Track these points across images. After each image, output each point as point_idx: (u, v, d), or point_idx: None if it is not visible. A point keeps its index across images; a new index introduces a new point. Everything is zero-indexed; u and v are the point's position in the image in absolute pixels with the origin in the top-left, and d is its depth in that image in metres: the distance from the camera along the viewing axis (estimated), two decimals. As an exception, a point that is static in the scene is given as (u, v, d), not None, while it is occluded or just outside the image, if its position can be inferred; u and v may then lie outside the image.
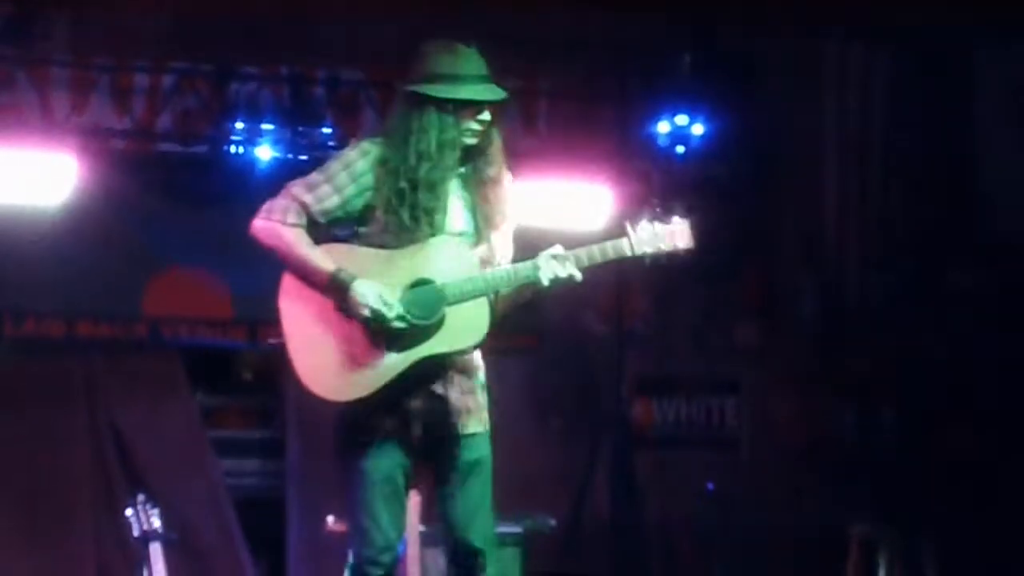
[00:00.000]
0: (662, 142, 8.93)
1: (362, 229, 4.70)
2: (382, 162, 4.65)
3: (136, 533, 6.50)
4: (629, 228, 4.59)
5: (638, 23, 8.62)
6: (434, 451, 4.71)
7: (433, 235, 4.61)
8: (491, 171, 4.72)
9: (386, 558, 4.74)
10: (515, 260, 4.77)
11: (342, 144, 8.72)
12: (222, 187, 8.69)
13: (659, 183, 9.03)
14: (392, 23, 8.29)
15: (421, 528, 6.78)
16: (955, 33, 8.83)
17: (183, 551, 8.27)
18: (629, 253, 4.54)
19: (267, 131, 8.51)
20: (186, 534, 8.61)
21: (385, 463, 4.66)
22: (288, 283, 4.71)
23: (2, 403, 8.72)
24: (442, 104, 4.62)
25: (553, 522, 8.03)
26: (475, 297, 4.58)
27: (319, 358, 4.63)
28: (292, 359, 4.67)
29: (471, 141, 4.69)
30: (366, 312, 4.55)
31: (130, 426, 8.99)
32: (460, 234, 4.69)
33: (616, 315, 9.29)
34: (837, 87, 9.59)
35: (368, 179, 4.66)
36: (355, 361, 4.60)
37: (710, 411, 9.80)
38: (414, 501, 7.48)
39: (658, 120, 8.89)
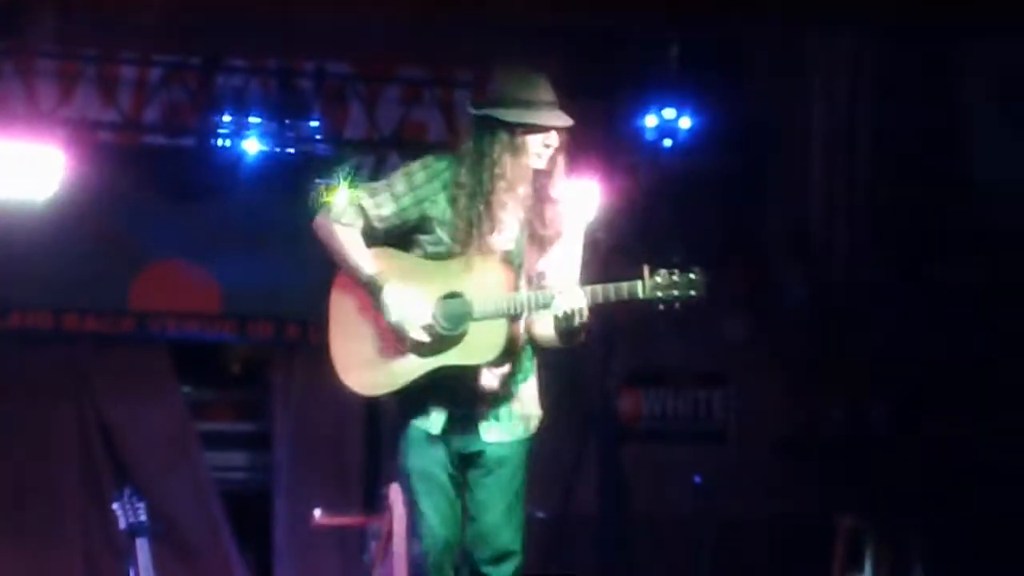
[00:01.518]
0: (650, 136, 8.92)
1: (422, 237, 4.88)
2: (455, 183, 4.84)
3: (123, 526, 6.49)
4: (646, 273, 4.67)
5: (624, 16, 8.61)
6: (464, 447, 4.86)
7: (479, 251, 4.79)
8: (552, 192, 4.87)
9: (433, 550, 4.85)
10: None
11: (329, 137, 8.77)
12: (209, 180, 8.70)
13: (647, 177, 9.04)
14: (379, 16, 8.28)
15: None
16: (942, 21, 8.82)
17: (170, 544, 8.29)
18: (641, 296, 4.63)
19: (254, 124, 8.51)
20: (173, 527, 8.63)
21: (421, 458, 4.84)
22: (341, 276, 4.92)
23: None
24: (512, 129, 4.78)
25: (541, 515, 8.03)
26: (498, 316, 4.73)
27: (352, 349, 4.87)
28: (331, 345, 4.91)
29: (537, 165, 4.84)
30: (391, 319, 4.75)
31: (117, 420, 8.99)
32: (506, 252, 4.84)
33: (602, 308, 9.27)
34: (824, 77, 9.58)
35: (426, 191, 4.84)
36: (381, 359, 4.83)
37: (697, 403, 9.82)
38: (400, 491, 7.51)
39: (646, 114, 8.89)
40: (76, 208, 8.49)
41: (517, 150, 4.78)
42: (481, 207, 4.78)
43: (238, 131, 8.52)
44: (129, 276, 8.91)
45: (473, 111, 4.89)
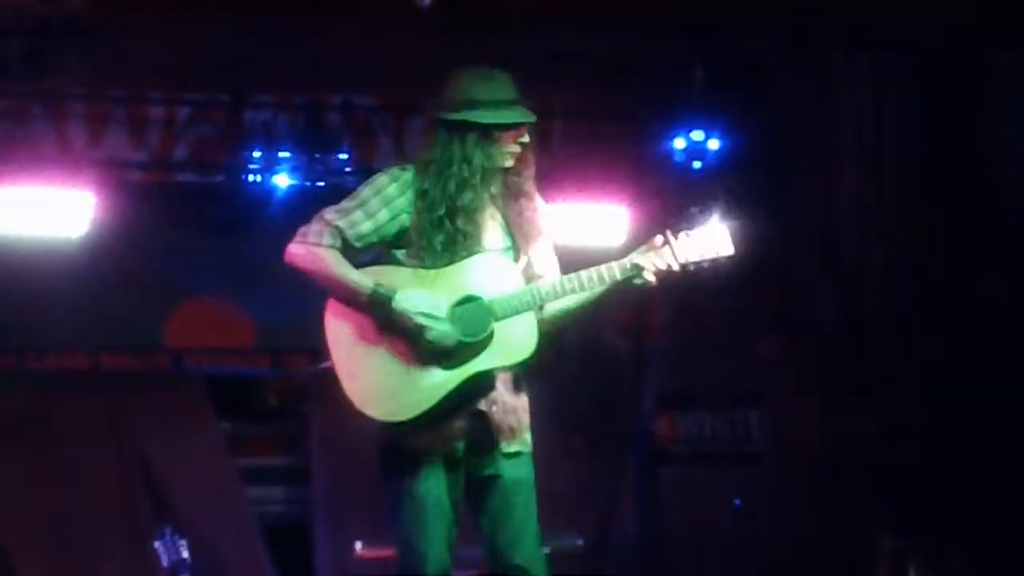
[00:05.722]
0: (678, 158, 8.94)
1: (397, 252, 4.73)
2: (419, 192, 4.70)
3: (165, 564, 6.51)
4: (670, 237, 4.58)
5: (650, 40, 8.63)
6: (477, 470, 4.72)
7: (471, 254, 4.66)
8: (524, 187, 4.77)
9: None
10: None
11: (359, 169, 8.79)
12: (240, 216, 8.73)
13: (676, 200, 9.04)
14: (404, 47, 8.31)
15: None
16: (964, 32, 8.81)
17: (212, 580, 8.31)
18: (676, 265, 4.55)
19: (284, 159, 8.54)
20: (214, 564, 8.63)
21: (431, 483, 4.68)
22: (332, 308, 4.72)
23: (28, 437, 8.76)
24: (485, 130, 4.68)
25: (580, 541, 8.01)
26: (524, 311, 4.61)
27: (370, 380, 4.64)
28: (342, 384, 4.66)
29: (508, 163, 4.75)
30: (414, 321, 4.59)
31: (156, 457, 9.02)
32: (498, 250, 4.74)
33: (637, 331, 9.28)
34: (849, 93, 9.57)
35: (400, 203, 4.70)
36: (406, 381, 4.62)
37: (734, 424, 9.78)
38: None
39: (674, 136, 8.90)
40: (109, 248, 8.53)
41: (488, 153, 4.68)
42: (441, 214, 4.63)
43: (268, 166, 8.56)
44: (163, 314, 8.95)
45: (445, 117, 4.72)
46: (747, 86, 8.99)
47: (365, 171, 8.82)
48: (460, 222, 4.65)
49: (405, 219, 4.69)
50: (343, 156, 8.69)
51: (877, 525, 8.49)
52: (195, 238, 8.90)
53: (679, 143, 8.91)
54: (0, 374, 8.76)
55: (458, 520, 4.73)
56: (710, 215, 4.60)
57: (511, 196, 4.76)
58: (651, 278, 4.62)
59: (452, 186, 4.65)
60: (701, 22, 8.48)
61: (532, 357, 4.62)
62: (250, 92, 8.67)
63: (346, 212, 4.72)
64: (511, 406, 4.73)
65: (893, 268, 9.52)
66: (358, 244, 4.69)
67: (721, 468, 9.64)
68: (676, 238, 4.58)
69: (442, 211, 4.64)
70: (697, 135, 8.87)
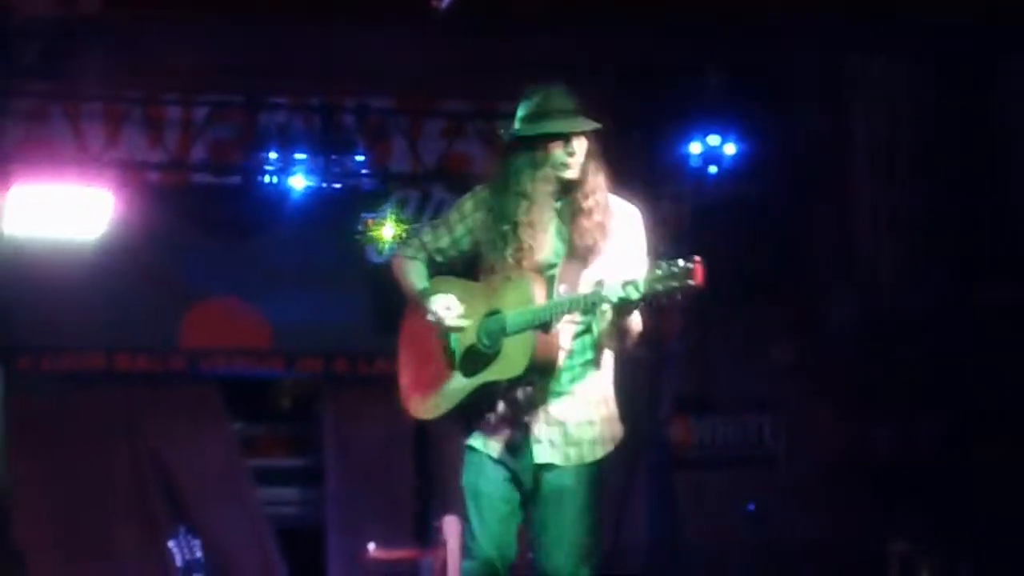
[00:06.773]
0: (694, 163, 8.93)
1: (482, 264, 4.89)
2: (488, 207, 4.87)
3: (179, 563, 6.53)
4: (636, 273, 4.58)
5: (667, 45, 8.63)
6: (523, 472, 4.85)
7: (518, 268, 4.78)
8: (586, 203, 4.80)
9: (477, 568, 4.84)
10: None
11: (374, 171, 8.82)
12: (257, 217, 8.77)
13: (692, 204, 9.05)
14: (419, 51, 8.33)
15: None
16: (975, 36, 8.80)
17: (225, 580, 8.33)
18: (642, 289, 4.52)
19: (300, 160, 8.56)
20: (228, 564, 8.66)
21: (470, 476, 4.86)
22: (408, 313, 5.02)
23: (44, 436, 8.79)
24: (530, 142, 4.77)
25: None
26: (528, 328, 4.71)
27: (410, 377, 4.99)
28: (399, 375, 5.02)
29: (569, 175, 4.79)
30: (431, 318, 4.80)
31: (171, 457, 9.04)
32: (548, 266, 4.80)
33: (653, 335, 9.27)
34: (866, 101, 9.57)
35: (475, 219, 4.91)
36: (433, 382, 4.89)
37: (748, 429, 9.78)
38: (453, 524, 7.51)
39: (690, 141, 8.90)
40: (126, 249, 8.56)
41: (537, 164, 4.75)
42: (507, 228, 4.77)
43: (284, 168, 8.58)
44: (179, 314, 8.97)
45: (501, 132, 4.94)
46: (762, 91, 8.98)
47: (381, 173, 8.90)
48: (524, 234, 4.77)
49: (479, 234, 4.88)
50: (359, 158, 8.70)
51: (889, 530, 8.48)
52: (212, 239, 8.92)
53: (695, 147, 8.90)
54: (16, 374, 8.79)
55: (514, 515, 4.85)
56: (683, 252, 4.59)
57: (571, 210, 4.81)
58: (610, 311, 4.68)
59: (512, 200, 4.79)
60: (716, 27, 8.49)
61: (524, 375, 4.71)
62: (266, 94, 8.70)
63: (434, 227, 5.04)
64: (557, 420, 4.82)
65: (908, 273, 9.51)
66: (439, 258, 4.98)
67: (734, 473, 9.64)
68: (649, 269, 4.57)
69: (507, 226, 4.79)
70: (713, 140, 8.87)
